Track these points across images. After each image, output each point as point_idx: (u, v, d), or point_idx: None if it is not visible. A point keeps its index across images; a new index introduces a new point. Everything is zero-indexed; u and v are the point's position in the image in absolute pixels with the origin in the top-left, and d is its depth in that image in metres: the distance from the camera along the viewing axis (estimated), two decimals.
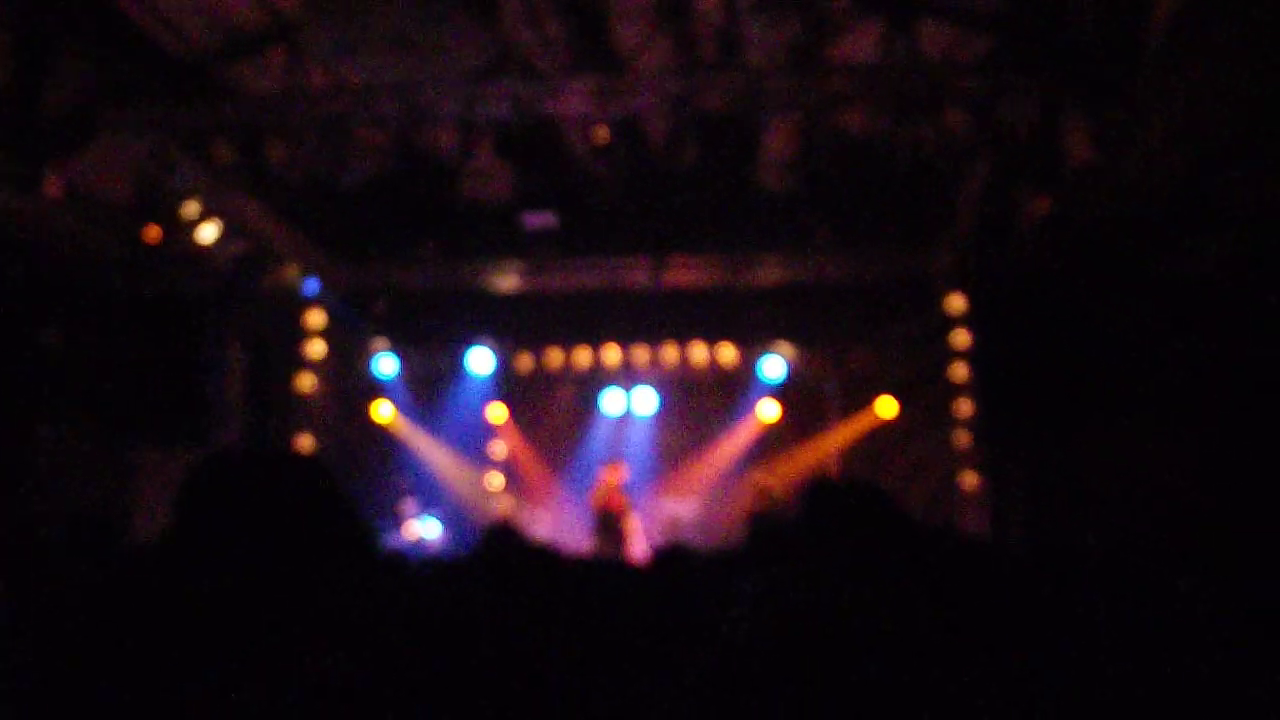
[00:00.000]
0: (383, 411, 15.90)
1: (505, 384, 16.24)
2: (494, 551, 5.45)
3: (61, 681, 1.86)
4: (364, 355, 15.87)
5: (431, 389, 16.44)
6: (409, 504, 14.52)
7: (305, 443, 14.11)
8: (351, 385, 15.67)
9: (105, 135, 9.93)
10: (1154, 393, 8.19)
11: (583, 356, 15.83)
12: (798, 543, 3.02)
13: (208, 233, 11.25)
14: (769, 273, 13.59)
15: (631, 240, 12.93)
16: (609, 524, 13.51)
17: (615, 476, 13.97)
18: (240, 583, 1.89)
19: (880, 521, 2.93)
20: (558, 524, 15.09)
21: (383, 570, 3.07)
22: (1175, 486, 7.64)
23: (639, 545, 13.73)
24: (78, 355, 10.04)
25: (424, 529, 14.25)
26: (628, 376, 16.03)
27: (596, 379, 16.15)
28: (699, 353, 15.51)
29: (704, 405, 16.30)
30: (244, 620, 1.87)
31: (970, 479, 13.22)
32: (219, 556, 1.92)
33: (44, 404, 9.84)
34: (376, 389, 15.93)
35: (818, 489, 3.17)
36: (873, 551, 2.79)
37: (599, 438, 16.40)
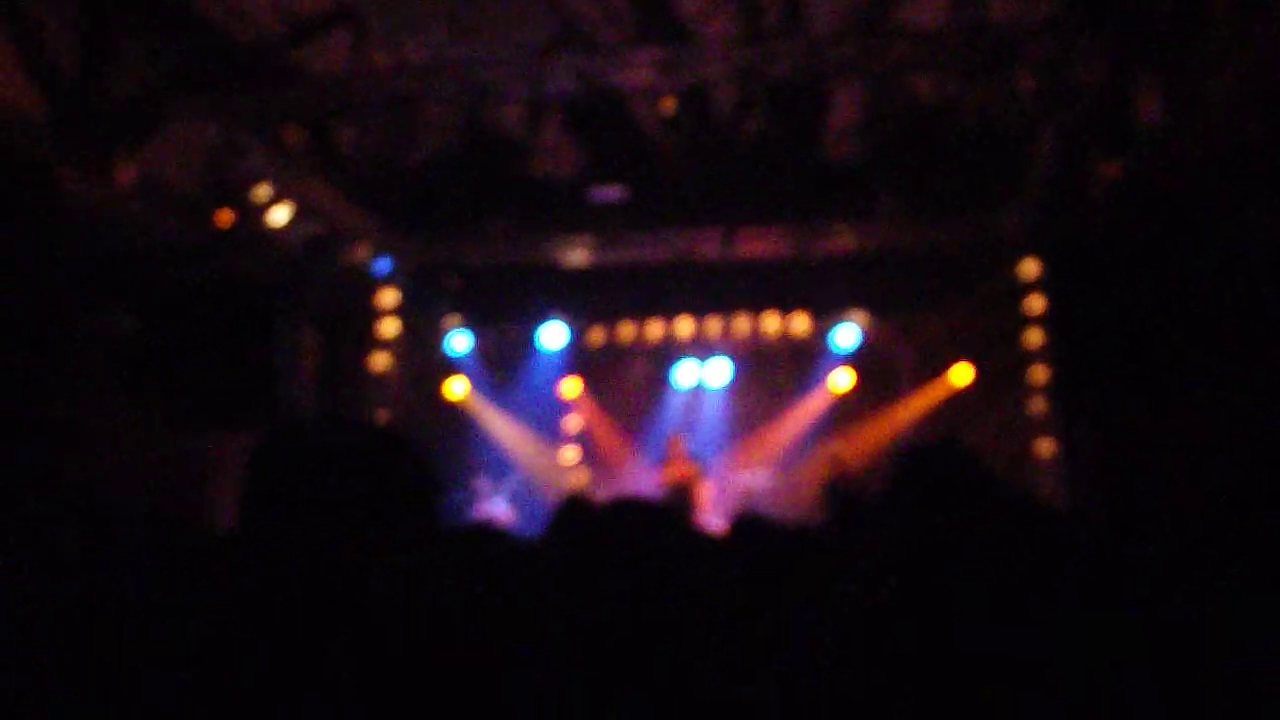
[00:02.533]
0: (456, 389, 15.97)
1: (578, 358, 16.27)
2: (568, 525, 5.46)
3: (140, 662, 1.87)
4: (437, 333, 15.93)
5: (505, 365, 16.50)
6: (483, 481, 14.58)
7: (380, 419, 14.19)
8: (425, 363, 15.73)
9: (174, 123, 10.02)
10: (1233, 357, 8.07)
11: (655, 329, 15.82)
12: (884, 512, 2.99)
13: (279, 216, 11.32)
14: (840, 241, 13.49)
15: (701, 212, 12.89)
16: (679, 494, 13.52)
17: (677, 447, 13.99)
18: (311, 561, 1.90)
19: (972, 488, 2.90)
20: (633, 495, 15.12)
21: (460, 544, 3.07)
22: (1253, 455, 7.54)
23: (710, 512, 13.73)
24: (151, 342, 10.14)
25: (497, 508, 14.31)
26: (700, 348, 16.02)
27: (669, 351, 16.14)
28: (771, 323, 15.46)
29: (777, 376, 16.27)
30: (318, 598, 1.87)
31: (1046, 446, 13.10)
32: (289, 533, 1.92)
33: (119, 392, 9.95)
34: (450, 366, 16.00)
35: (908, 457, 3.13)
36: (966, 522, 2.76)
37: (673, 410, 16.41)
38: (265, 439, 2.05)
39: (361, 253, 13.61)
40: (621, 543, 2.87)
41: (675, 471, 13.82)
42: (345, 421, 2.30)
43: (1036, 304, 13.04)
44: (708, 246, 13.68)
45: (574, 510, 5.70)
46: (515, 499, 14.74)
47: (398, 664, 1.88)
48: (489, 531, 3.36)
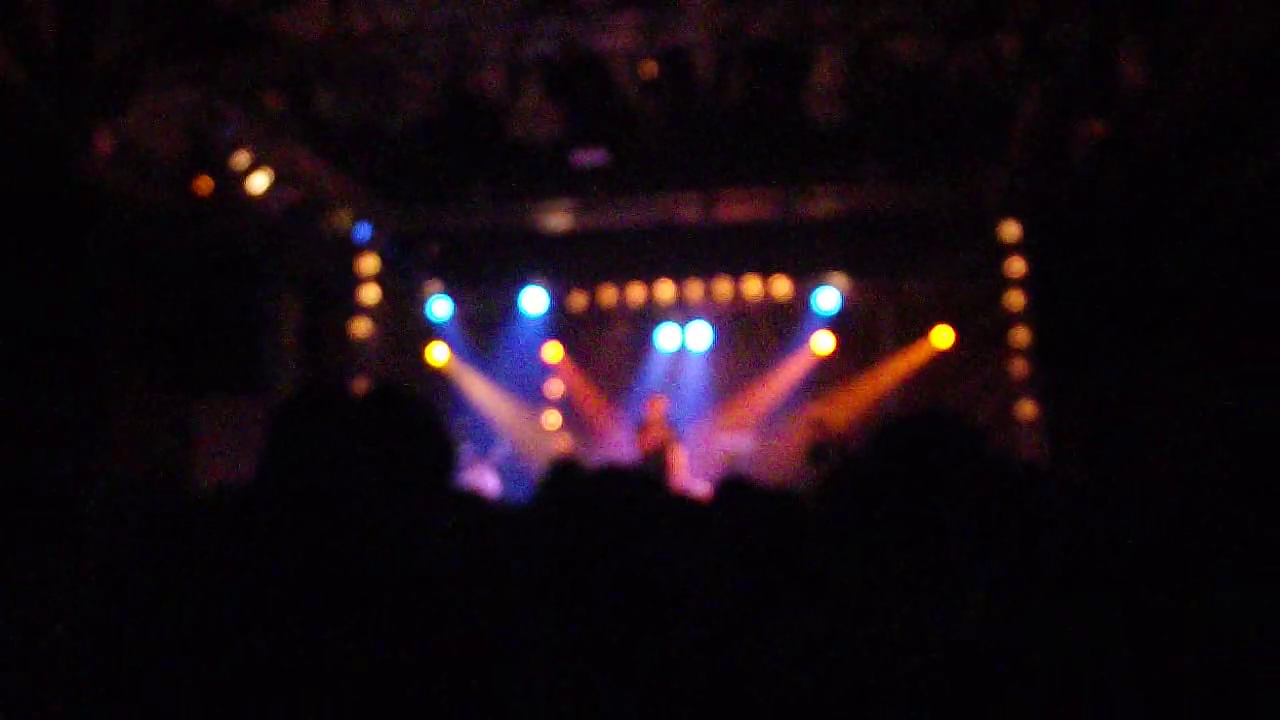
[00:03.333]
0: (437, 354, 15.96)
1: (559, 323, 16.27)
2: (557, 489, 5.45)
3: (158, 623, 1.87)
4: (418, 299, 15.91)
5: (486, 330, 16.49)
6: (467, 448, 14.58)
7: (361, 387, 14.14)
8: (406, 329, 15.72)
9: (153, 90, 9.95)
10: (1213, 319, 8.10)
11: (636, 293, 15.83)
12: (870, 476, 2.98)
13: (259, 182, 11.28)
14: (821, 204, 13.49)
15: (682, 175, 12.87)
16: (654, 458, 13.53)
17: (656, 410, 13.99)
18: (333, 519, 1.90)
19: (959, 450, 2.90)
20: (616, 460, 15.10)
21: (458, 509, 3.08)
22: (1234, 417, 7.57)
23: (685, 477, 13.74)
24: (133, 308, 10.11)
25: (482, 477, 14.30)
26: (682, 312, 16.03)
27: (650, 315, 16.16)
28: (753, 286, 15.47)
29: (759, 339, 16.29)
30: (336, 559, 1.87)
31: (1028, 408, 13.15)
32: (311, 491, 1.92)
33: (103, 357, 9.91)
34: (431, 332, 15.99)
35: (888, 430, 3.13)
36: (953, 484, 2.77)
37: (654, 373, 16.42)
38: (291, 400, 2.05)
39: (342, 219, 13.57)
40: (609, 509, 2.87)
41: (651, 437, 13.82)
42: (368, 387, 2.31)
43: (1017, 266, 13.08)
44: (689, 210, 13.67)
45: (562, 476, 5.70)
46: (501, 466, 14.73)
47: (398, 630, 1.89)
48: (480, 500, 3.36)
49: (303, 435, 2.02)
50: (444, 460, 2.08)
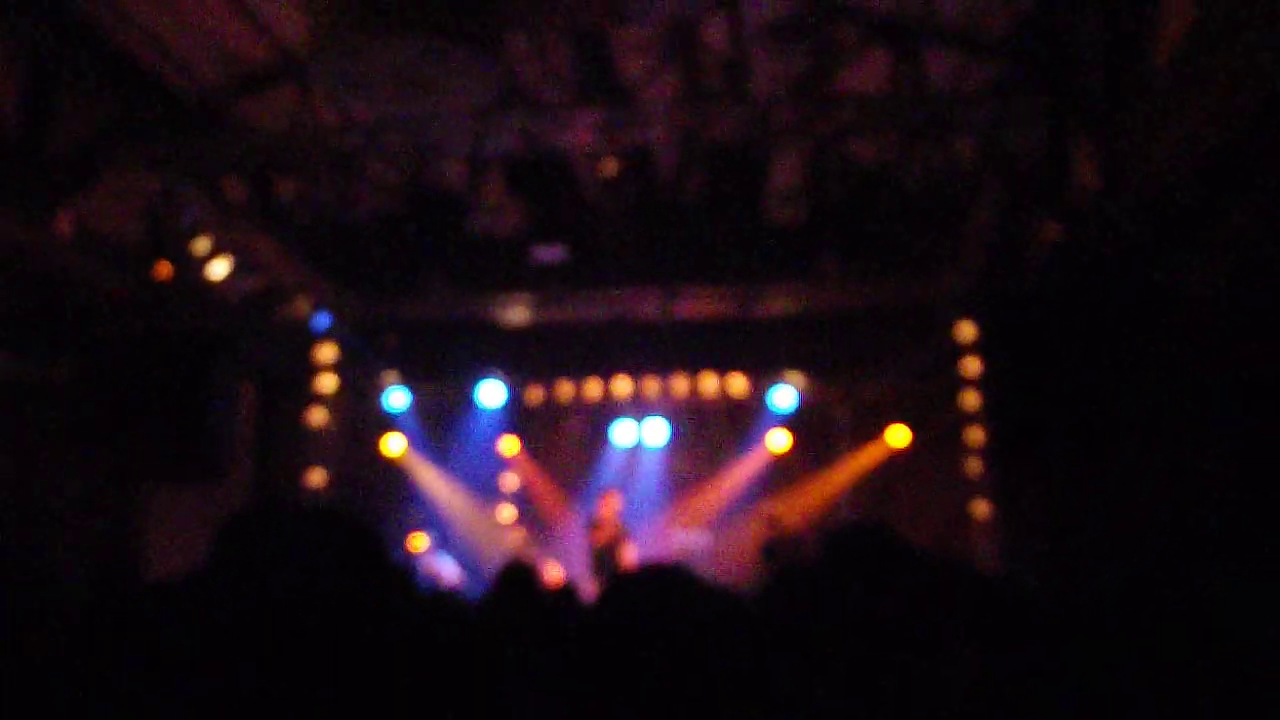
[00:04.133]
0: (393, 446, 15.90)
1: (516, 416, 16.24)
2: (510, 593, 5.44)
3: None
4: (375, 389, 15.87)
5: (443, 422, 16.44)
6: (423, 539, 14.48)
7: (316, 477, 14.11)
8: (363, 419, 15.67)
9: (115, 173, 9.98)
10: (1169, 418, 8.17)
11: (593, 388, 15.82)
12: (819, 591, 3.01)
13: (218, 269, 11.26)
14: (779, 303, 13.59)
15: (641, 272, 12.94)
16: (605, 557, 13.50)
17: (609, 506, 13.96)
18: (271, 619, 1.90)
19: (896, 565, 2.93)
20: (569, 557, 15.04)
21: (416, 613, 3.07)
22: (1194, 512, 7.62)
23: None
24: (87, 391, 10.06)
25: (442, 565, 14.21)
26: (638, 407, 16.03)
27: (607, 410, 16.15)
28: (709, 383, 15.50)
29: (715, 435, 16.30)
30: (271, 657, 1.87)
31: (982, 508, 13.18)
32: (252, 596, 1.92)
33: (54, 439, 9.86)
34: (387, 423, 15.93)
35: (834, 539, 3.16)
36: (891, 598, 2.79)
37: (610, 469, 16.40)
38: (233, 522, 2.06)
39: (301, 307, 13.56)
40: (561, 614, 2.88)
41: (602, 533, 13.78)
42: (315, 510, 2.31)
43: (972, 366, 13.16)
44: (647, 306, 13.74)
45: (514, 578, 5.69)
46: (455, 557, 14.65)
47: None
48: (445, 599, 3.36)
49: (248, 554, 2.03)
50: (391, 589, 2.09)
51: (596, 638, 2.43)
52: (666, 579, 2.51)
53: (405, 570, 2.13)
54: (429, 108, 9.72)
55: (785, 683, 2.65)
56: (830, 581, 2.92)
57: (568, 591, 6.36)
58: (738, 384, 15.48)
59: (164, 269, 10.60)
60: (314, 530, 2.04)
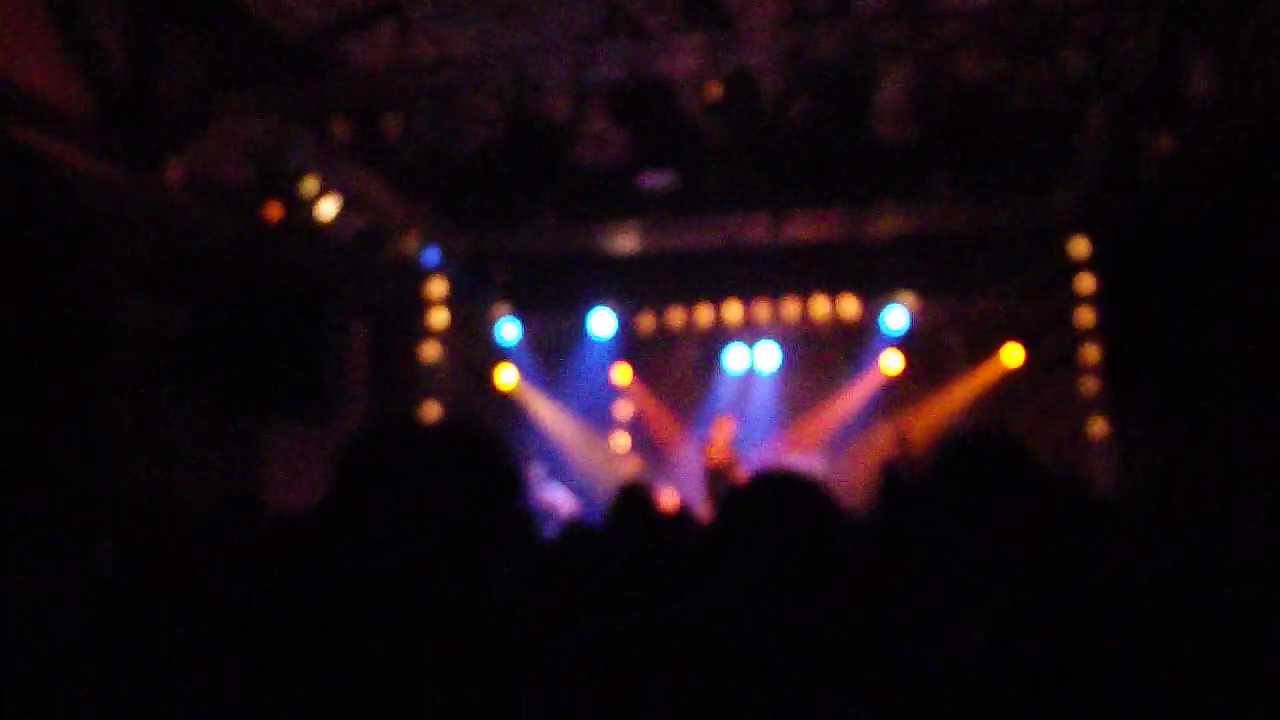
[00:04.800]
0: (506, 378, 15.99)
1: (628, 345, 16.27)
2: (626, 518, 5.46)
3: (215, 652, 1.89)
4: (487, 323, 15.95)
5: (555, 353, 16.52)
6: (537, 469, 14.59)
7: (431, 412, 14.26)
8: (475, 353, 15.77)
9: (222, 119, 10.08)
10: None
11: (704, 314, 15.79)
12: (932, 501, 2.98)
13: (327, 209, 11.37)
14: (888, 224, 13.45)
15: (749, 196, 12.86)
16: (718, 481, 13.51)
17: (722, 432, 13.96)
18: (400, 551, 1.92)
19: (1016, 477, 2.89)
20: (684, 483, 15.09)
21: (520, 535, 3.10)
22: None
23: None
24: (203, 335, 10.22)
25: (556, 495, 14.32)
26: (750, 332, 15.99)
27: (719, 336, 16.12)
28: (820, 306, 15.40)
29: (827, 359, 16.22)
30: (399, 590, 1.89)
31: (1099, 426, 13.03)
32: (378, 525, 1.94)
33: (172, 383, 10.03)
34: (500, 355, 16.02)
35: (951, 446, 3.12)
36: (1009, 511, 2.76)
37: (723, 395, 16.39)
38: (359, 432, 2.08)
39: (410, 244, 13.66)
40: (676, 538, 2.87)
41: (715, 460, 13.81)
42: (433, 422, 2.32)
43: (1087, 283, 12.96)
44: (756, 231, 13.66)
45: (631, 499, 5.70)
46: (571, 486, 14.76)
47: (465, 663, 1.90)
48: (549, 521, 3.38)
49: (370, 466, 2.05)
50: (512, 492, 2.10)
51: (715, 546, 2.43)
52: (779, 486, 2.50)
53: (520, 480, 2.14)
54: (528, 38, 9.71)
55: (893, 594, 2.64)
56: (947, 492, 2.89)
57: (684, 515, 6.36)
58: (849, 306, 15.37)
59: (274, 210, 10.73)
60: (434, 448, 2.05)
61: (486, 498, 2.00)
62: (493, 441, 2.12)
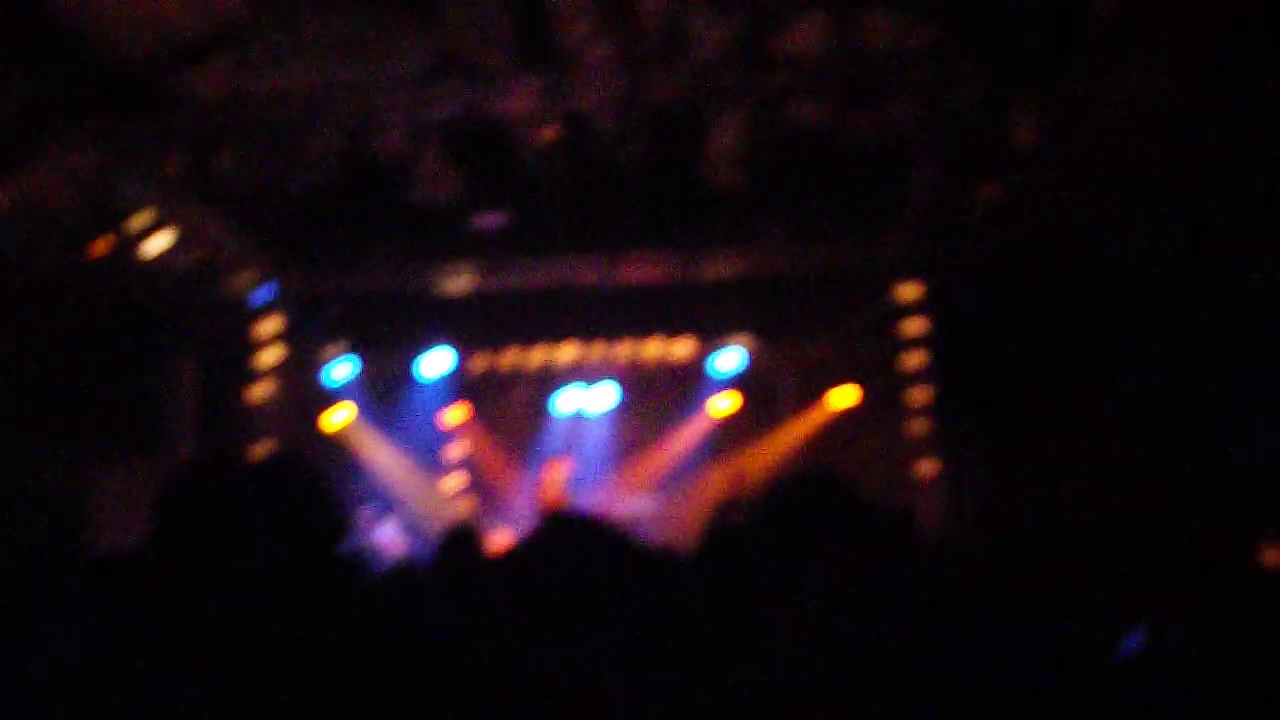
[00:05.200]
0: (337, 418, 15.81)
1: (462, 385, 16.20)
2: (455, 556, 5.46)
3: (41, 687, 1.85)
4: (320, 362, 15.77)
5: (389, 393, 16.38)
6: (367, 510, 14.44)
7: (260, 451, 14.04)
8: (307, 392, 15.57)
9: (51, 149, 9.85)
10: (1113, 376, 8.22)
11: (538, 355, 15.81)
12: (757, 541, 3.01)
13: (159, 243, 11.16)
14: (723, 266, 13.60)
15: (583, 237, 12.92)
16: None
17: (556, 474, 13.97)
18: (224, 584, 1.89)
19: (840, 515, 2.93)
20: (519, 525, 15.04)
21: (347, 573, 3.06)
22: (1133, 483, 7.68)
23: None
24: (29, 368, 9.97)
25: (386, 535, 14.17)
26: (584, 373, 16.02)
27: (553, 377, 16.13)
28: (655, 348, 15.51)
29: (661, 400, 16.30)
30: (226, 623, 1.86)
31: (927, 467, 13.27)
32: (200, 560, 1.91)
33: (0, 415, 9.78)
34: (333, 395, 15.84)
35: (779, 487, 3.16)
36: (831, 548, 2.80)
37: (557, 435, 16.38)
38: (175, 474, 2.04)
39: (243, 280, 13.46)
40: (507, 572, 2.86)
41: (547, 499, 13.81)
42: (248, 455, 2.29)
43: (916, 326, 13.23)
44: (590, 272, 13.71)
45: (460, 540, 5.69)
46: (401, 527, 14.62)
47: (310, 689, 1.88)
48: (378, 561, 3.35)
49: (190, 504, 2.01)
50: (334, 528, 2.08)
51: (513, 581, 2.44)
52: (579, 528, 2.51)
53: (343, 517, 2.12)
54: (365, 75, 9.66)
55: (714, 635, 2.66)
56: (769, 533, 2.93)
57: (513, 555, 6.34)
58: (683, 348, 15.50)
59: (103, 244, 10.50)
60: (255, 485, 2.03)
61: (308, 535, 1.98)
62: (316, 478, 2.10)
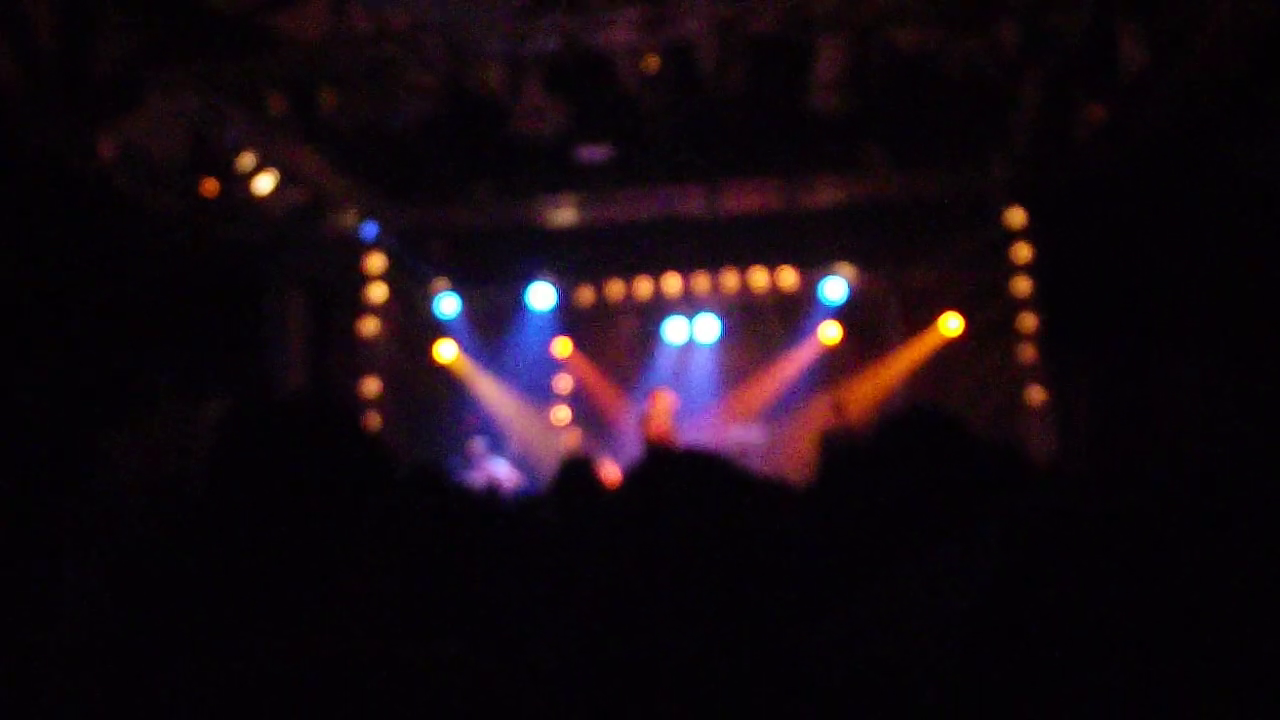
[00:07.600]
0: (445, 352, 15.93)
1: (567, 318, 16.25)
2: (572, 488, 5.47)
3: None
4: (425, 296, 15.90)
5: (494, 327, 16.47)
6: (478, 443, 14.54)
7: (370, 386, 14.21)
8: (414, 327, 15.70)
9: (156, 94, 9.98)
10: (1222, 301, 8.08)
11: (643, 286, 15.81)
12: (870, 473, 3.00)
13: (264, 184, 11.29)
14: (826, 194, 13.51)
15: (686, 168, 12.88)
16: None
17: (661, 404, 13.96)
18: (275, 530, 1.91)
19: (952, 449, 2.91)
20: (626, 455, 15.08)
21: (462, 509, 3.09)
22: (1242, 400, 7.56)
23: None
24: (144, 307, 10.14)
25: (498, 469, 14.28)
26: (689, 304, 16.01)
27: (658, 308, 16.14)
28: (759, 278, 15.46)
29: (766, 330, 16.24)
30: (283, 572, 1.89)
31: (1036, 394, 13.15)
32: (248, 507, 1.94)
33: (116, 360, 9.96)
34: (439, 329, 15.96)
35: (887, 422, 3.14)
36: (946, 480, 2.78)
37: (663, 367, 16.39)
38: (229, 414, 2.07)
39: (348, 218, 13.59)
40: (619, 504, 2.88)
41: (652, 430, 13.81)
42: (289, 402, 2.30)
43: (1023, 252, 13.08)
44: (694, 202, 13.68)
45: (574, 471, 5.72)
46: (511, 460, 14.73)
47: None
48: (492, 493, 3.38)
49: (232, 448, 2.04)
50: (377, 472, 2.08)
51: (622, 521, 2.44)
52: (695, 464, 2.51)
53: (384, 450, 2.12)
54: (465, 10, 9.67)
55: (831, 570, 2.66)
56: (883, 465, 2.92)
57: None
58: (787, 277, 15.44)
59: (210, 186, 10.64)
60: (290, 425, 2.04)
61: (343, 471, 2.00)
62: (344, 414, 2.11)
